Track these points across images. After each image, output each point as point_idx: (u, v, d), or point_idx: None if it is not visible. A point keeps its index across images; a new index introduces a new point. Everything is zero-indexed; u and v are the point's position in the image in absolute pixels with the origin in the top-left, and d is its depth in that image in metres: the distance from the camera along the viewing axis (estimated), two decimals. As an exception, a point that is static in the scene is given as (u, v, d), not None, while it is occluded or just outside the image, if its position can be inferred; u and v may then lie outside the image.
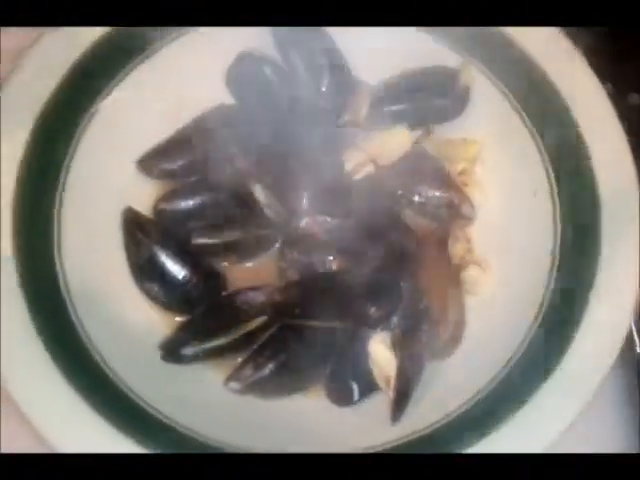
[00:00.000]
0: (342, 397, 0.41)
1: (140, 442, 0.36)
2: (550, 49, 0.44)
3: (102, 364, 0.38)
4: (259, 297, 0.42)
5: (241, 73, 0.47)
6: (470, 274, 0.44)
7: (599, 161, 0.42)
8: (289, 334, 0.41)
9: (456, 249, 0.44)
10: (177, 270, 0.43)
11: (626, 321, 0.39)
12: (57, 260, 0.40)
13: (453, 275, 0.43)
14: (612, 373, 0.39)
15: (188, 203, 0.44)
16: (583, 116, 0.43)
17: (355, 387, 0.41)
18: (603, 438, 0.43)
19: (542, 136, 0.44)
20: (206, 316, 0.43)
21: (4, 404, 0.38)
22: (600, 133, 0.42)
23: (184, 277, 0.43)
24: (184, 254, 0.43)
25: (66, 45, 0.42)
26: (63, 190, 0.42)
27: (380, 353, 0.41)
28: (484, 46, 0.45)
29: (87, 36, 0.43)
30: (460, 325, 0.43)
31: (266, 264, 0.44)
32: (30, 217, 0.40)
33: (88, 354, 0.38)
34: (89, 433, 0.36)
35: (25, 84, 0.41)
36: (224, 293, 0.44)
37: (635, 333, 0.43)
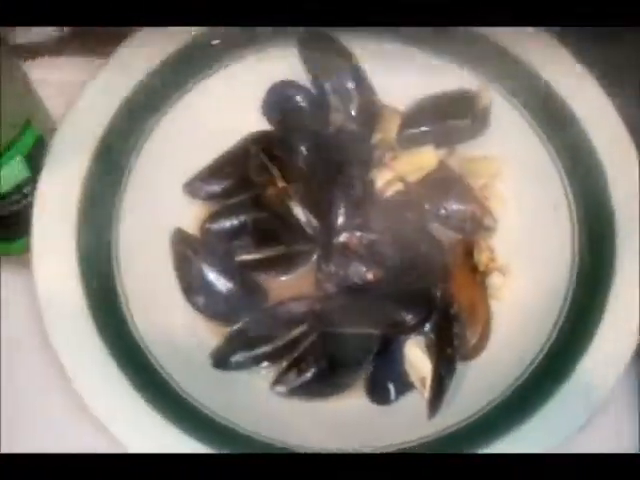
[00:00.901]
0: (380, 397, 0.44)
1: (198, 440, 0.38)
2: (562, 70, 0.46)
3: (161, 371, 0.41)
4: (300, 307, 0.45)
5: (275, 101, 0.49)
6: (494, 280, 0.46)
7: (613, 178, 0.44)
8: (329, 341, 0.43)
9: (481, 258, 0.46)
10: (222, 284, 0.45)
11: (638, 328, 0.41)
12: (117, 280, 0.43)
13: (479, 282, 0.46)
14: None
15: (232, 222, 0.46)
16: (596, 134, 0.45)
17: (392, 387, 0.44)
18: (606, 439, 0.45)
19: (558, 154, 0.46)
20: (251, 326, 0.45)
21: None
22: (615, 153, 0.45)
23: (229, 290, 0.45)
24: (229, 269, 0.45)
25: (120, 78, 0.45)
26: (119, 216, 0.44)
27: (415, 356, 0.43)
28: (501, 69, 0.47)
29: (138, 70, 0.46)
30: (487, 328, 0.45)
31: (305, 277, 0.46)
32: (93, 241, 0.42)
33: (149, 363, 0.41)
34: (151, 431, 0.39)
35: (82, 117, 0.44)
36: (267, 305, 0.46)
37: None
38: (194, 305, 0.45)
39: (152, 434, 0.39)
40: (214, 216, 0.47)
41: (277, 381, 0.43)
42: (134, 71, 0.46)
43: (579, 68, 0.46)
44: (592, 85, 0.46)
